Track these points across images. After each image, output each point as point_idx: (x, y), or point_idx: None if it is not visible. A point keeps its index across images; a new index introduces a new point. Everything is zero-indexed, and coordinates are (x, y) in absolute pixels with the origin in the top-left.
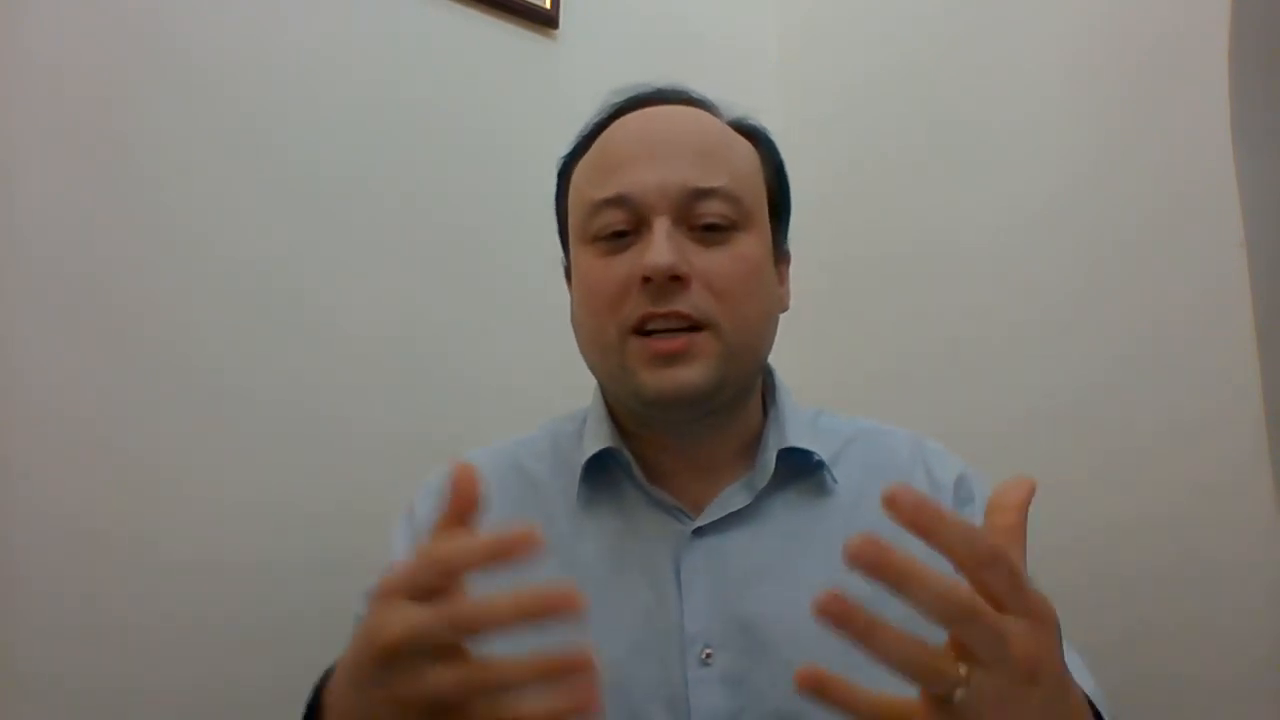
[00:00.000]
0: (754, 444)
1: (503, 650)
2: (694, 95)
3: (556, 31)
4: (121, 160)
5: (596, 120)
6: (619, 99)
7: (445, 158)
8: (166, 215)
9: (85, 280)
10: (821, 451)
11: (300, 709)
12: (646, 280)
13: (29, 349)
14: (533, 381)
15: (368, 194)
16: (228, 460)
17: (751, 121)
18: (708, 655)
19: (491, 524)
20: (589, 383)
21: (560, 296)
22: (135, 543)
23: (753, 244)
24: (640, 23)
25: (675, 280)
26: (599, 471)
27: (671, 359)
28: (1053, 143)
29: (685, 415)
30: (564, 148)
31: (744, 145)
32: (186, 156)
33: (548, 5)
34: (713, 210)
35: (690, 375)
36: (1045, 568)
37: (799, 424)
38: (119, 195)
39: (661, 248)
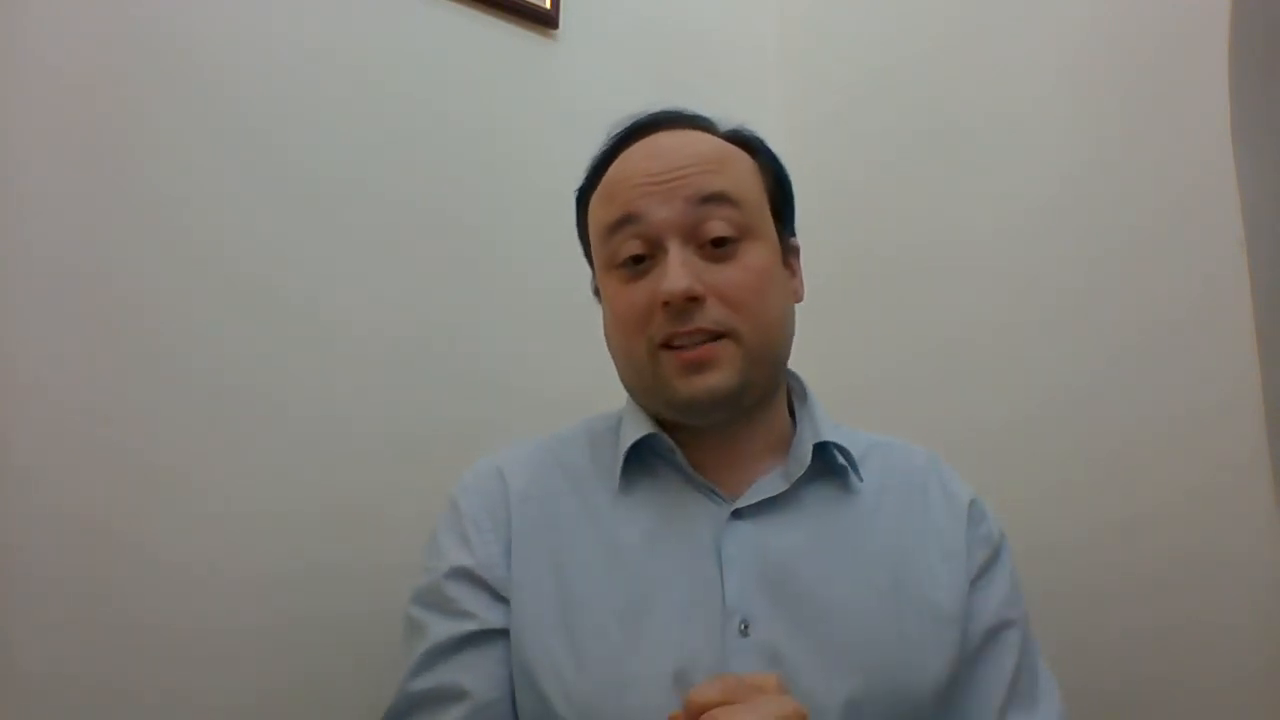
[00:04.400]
0: (785, 439)
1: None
2: (691, 115)
3: (556, 31)
4: (122, 160)
5: (603, 152)
6: (620, 129)
7: (445, 157)
8: (168, 215)
9: (86, 280)
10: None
11: (301, 708)
12: (666, 304)
13: (30, 349)
14: (534, 381)
15: (367, 194)
16: (230, 460)
17: (747, 132)
18: (745, 627)
19: (534, 513)
20: (593, 381)
21: (561, 296)
22: (136, 543)
23: (759, 251)
24: (640, 23)
25: (692, 301)
26: (638, 461)
27: (698, 367)
28: (1053, 142)
29: (717, 416)
30: (564, 147)
31: (742, 157)
32: (187, 156)
33: (548, 5)
34: (718, 217)
35: (717, 379)
36: (1044, 568)
37: (829, 424)
38: (120, 195)
39: (676, 273)
